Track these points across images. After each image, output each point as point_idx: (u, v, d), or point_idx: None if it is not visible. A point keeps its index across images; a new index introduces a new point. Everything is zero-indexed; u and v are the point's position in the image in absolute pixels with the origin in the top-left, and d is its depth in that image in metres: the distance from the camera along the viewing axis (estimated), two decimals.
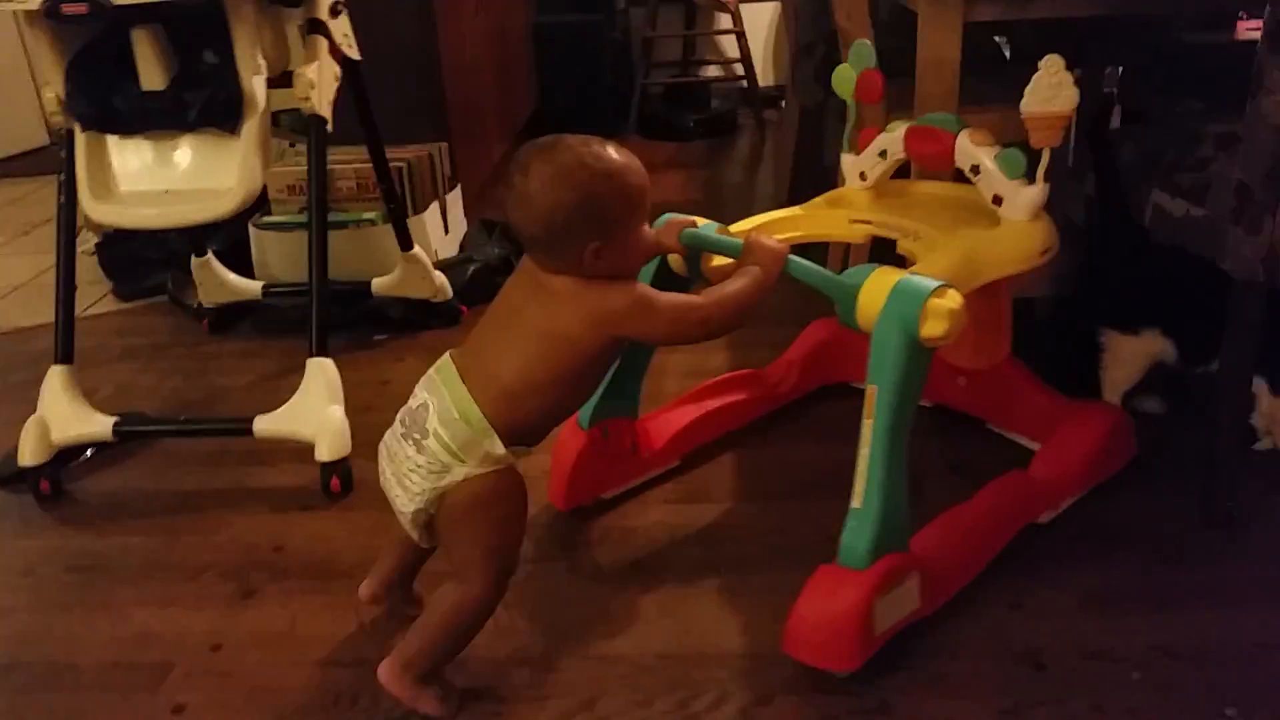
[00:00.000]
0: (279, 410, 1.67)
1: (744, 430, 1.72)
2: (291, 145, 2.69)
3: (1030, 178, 1.33)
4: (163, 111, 1.61)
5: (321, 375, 1.67)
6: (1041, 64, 1.26)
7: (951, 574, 1.27)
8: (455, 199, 2.59)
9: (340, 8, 1.76)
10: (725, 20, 4.02)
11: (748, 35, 3.95)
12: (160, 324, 2.45)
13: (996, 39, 2.49)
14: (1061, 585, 1.32)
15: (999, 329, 1.54)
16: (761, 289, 1.18)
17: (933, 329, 1.10)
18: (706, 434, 1.66)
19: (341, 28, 1.78)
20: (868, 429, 1.15)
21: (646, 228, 1.15)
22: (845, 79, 1.51)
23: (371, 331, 2.27)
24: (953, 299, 1.11)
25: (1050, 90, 1.26)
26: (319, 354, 1.68)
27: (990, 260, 1.30)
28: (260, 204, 2.35)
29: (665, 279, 1.37)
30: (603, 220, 1.06)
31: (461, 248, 2.60)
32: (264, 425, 1.66)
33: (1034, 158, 1.33)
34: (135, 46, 1.60)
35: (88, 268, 2.73)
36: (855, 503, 1.16)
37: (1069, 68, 1.27)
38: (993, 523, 1.34)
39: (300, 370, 1.68)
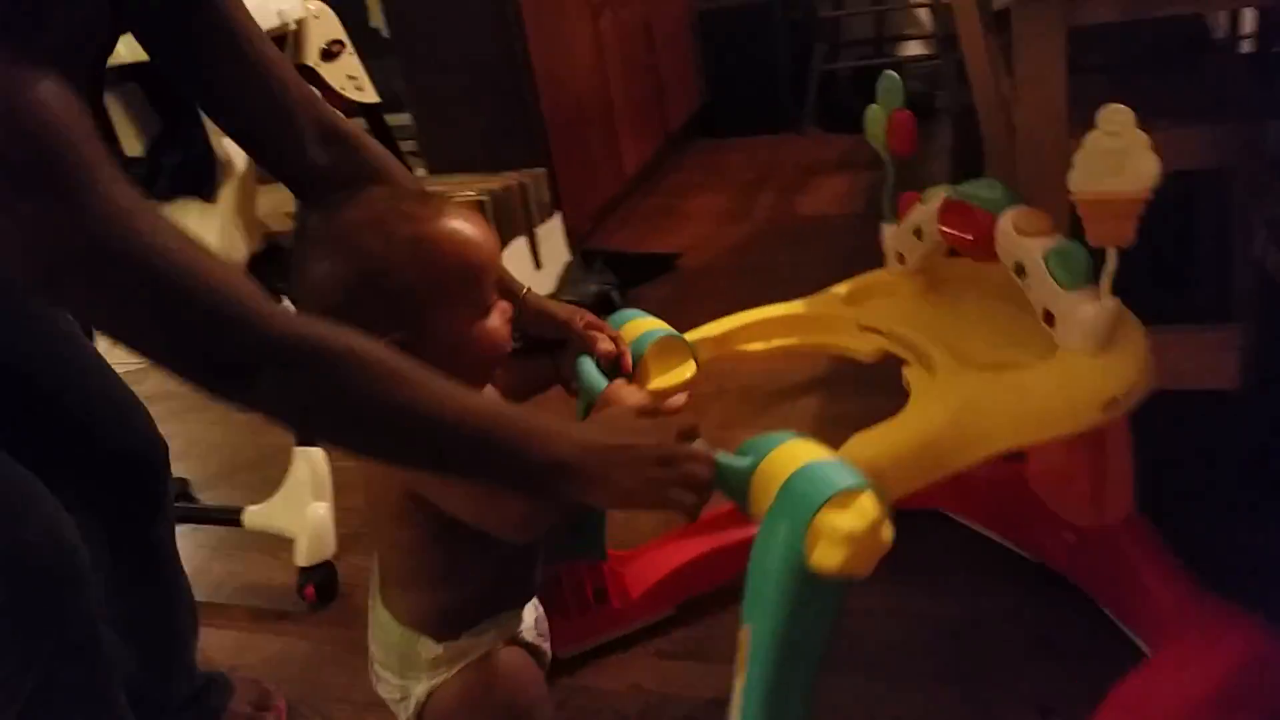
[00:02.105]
0: (268, 502, 1.53)
1: None
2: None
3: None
4: (139, 180, 1.49)
5: (305, 467, 1.51)
6: (1099, 117, 0.83)
7: None
8: (552, 229, 2.34)
9: (338, 49, 1.56)
10: None
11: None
12: None
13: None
14: None
15: (1116, 476, 1.11)
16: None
17: (825, 557, 0.69)
18: (713, 577, 1.28)
19: (343, 70, 1.58)
20: (737, 692, 0.77)
21: (490, 323, 0.80)
22: (875, 121, 1.14)
23: None
24: (860, 512, 0.69)
25: (1109, 159, 0.82)
26: (303, 442, 1.53)
27: (1005, 420, 0.88)
28: None
29: None
30: (404, 304, 0.76)
31: (565, 283, 2.37)
32: (253, 518, 1.55)
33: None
34: (111, 113, 1.49)
35: None
36: None
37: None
38: None
39: None
